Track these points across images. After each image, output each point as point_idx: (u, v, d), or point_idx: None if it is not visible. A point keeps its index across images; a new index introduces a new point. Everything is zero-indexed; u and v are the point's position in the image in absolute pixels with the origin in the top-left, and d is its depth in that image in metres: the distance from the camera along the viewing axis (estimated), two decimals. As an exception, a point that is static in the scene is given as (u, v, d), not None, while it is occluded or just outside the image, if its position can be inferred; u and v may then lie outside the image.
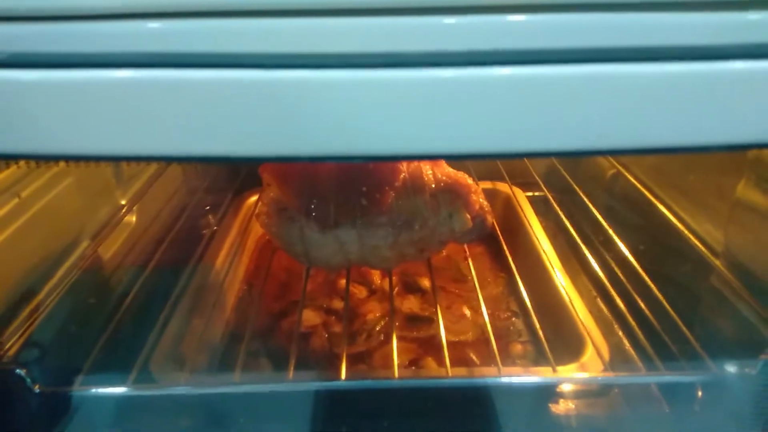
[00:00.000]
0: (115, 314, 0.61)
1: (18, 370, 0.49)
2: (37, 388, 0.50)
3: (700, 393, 0.57)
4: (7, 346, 0.51)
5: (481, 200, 0.65)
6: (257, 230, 0.87)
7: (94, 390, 0.51)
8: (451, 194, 0.63)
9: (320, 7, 0.27)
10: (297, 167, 0.64)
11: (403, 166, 0.64)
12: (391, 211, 0.62)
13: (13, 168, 0.54)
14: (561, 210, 0.82)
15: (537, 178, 0.90)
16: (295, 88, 0.28)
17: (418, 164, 0.65)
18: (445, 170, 0.66)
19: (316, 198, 0.61)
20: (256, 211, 0.68)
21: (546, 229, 0.83)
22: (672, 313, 0.61)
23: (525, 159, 0.95)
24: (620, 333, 0.72)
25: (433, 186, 0.63)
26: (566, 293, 0.66)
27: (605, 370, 0.54)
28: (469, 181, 0.66)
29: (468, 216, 0.63)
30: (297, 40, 0.28)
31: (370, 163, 0.63)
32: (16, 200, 0.54)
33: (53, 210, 0.59)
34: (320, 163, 0.64)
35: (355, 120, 0.29)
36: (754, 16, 0.28)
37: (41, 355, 0.57)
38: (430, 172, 0.64)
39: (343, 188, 0.62)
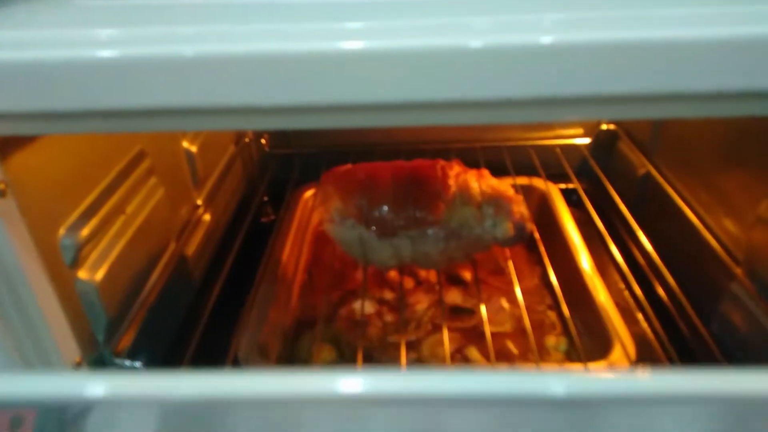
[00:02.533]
0: (203, 307, 0.71)
1: (136, 364, 0.59)
2: (151, 379, 0.60)
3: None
4: (121, 344, 0.61)
5: (522, 210, 0.72)
6: (313, 221, 0.96)
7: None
8: (496, 205, 0.71)
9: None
10: (358, 180, 0.72)
11: (452, 180, 0.71)
12: (441, 222, 0.69)
13: (121, 189, 0.63)
14: (592, 203, 0.89)
15: (570, 171, 0.96)
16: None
17: (465, 178, 0.72)
18: (490, 183, 0.73)
19: (375, 210, 0.69)
20: (316, 208, 0.76)
21: (578, 221, 0.90)
22: (692, 313, 0.69)
23: (558, 150, 1.01)
24: (644, 325, 0.80)
25: (479, 198, 0.71)
26: (596, 289, 0.74)
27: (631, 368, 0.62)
28: (511, 192, 0.73)
29: (510, 225, 0.70)
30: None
31: (424, 178, 0.71)
32: (123, 217, 0.63)
33: (151, 220, 0.68)
34: (379, 177, 0.71)
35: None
36: None
37: (146, 346, 0.67)
38: (476, 185, 0.72)
39: (400, 201, 0.70)
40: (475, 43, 0.35)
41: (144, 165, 0.68)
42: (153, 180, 0.70)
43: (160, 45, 0.36)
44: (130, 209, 0.64)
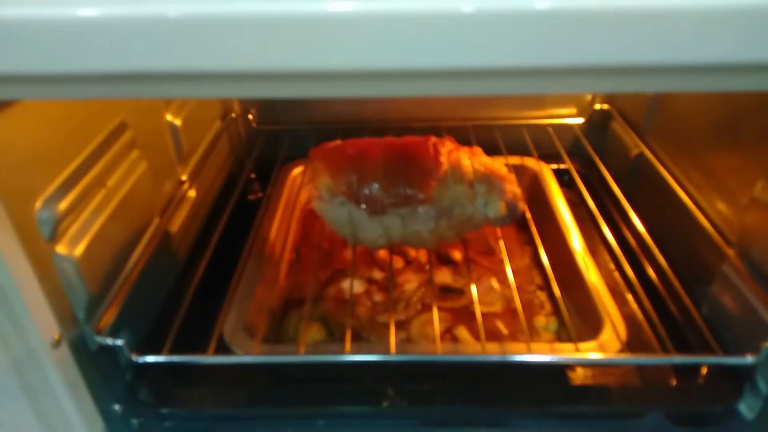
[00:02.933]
0: (184, 284, 0.70)
1: (118, 342, 0.58)
2: (133, 357, 0.58)
3: (704, 371, 0.65)
4: (102, 322, 0.59)
5: (514, 189, 0.71)
6: (301, 199, 0.94)
7: (182, 358, 0.60)
8: (488, 184, 0.69)
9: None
10: (347, 156, 0.70)
11: (444, 157, 0.69)
12: (432, 200, 0.68)
13: (101, 162, 0.61)
14: (584, 183, 0.88)
15: (562, 151, 0.95)
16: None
17: (457, 155, 0.70)
18: (482, 160, 0.71)
19: (365, 187, 0.68)
20: (304, 185, 0.74)
21: (569, 202, 0.89)
22: (683, 294, 0.68)
23: (550, 130, 1.00)
24: (634, 306, 0.79)
25: (472, 176, 0.69)
26: (587, 270, 0.73)
27: (622, 350, 0.61)
28: (504, 170, 0.71)
29: (503, 204, 0.69)
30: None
31: (415, 155, 0.69)
32: (104, 190, 0.61)
33: (133, 195, 0.66)
34: (369, 153, 0.70)
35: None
36: None
37: (128, 325, 0.65)
38: (469, 162, 0.70)
39: (390, 178, 0.68)
40: (467, 7, 0.33)
41: (126, 137, 0.65)
42: (135, 153, 0.67)
43: (141, 4, 0.34)
44: (111, 182, 0.62)
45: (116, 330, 0.62)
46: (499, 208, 0.69)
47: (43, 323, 0.52)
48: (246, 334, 0.66)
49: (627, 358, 0.62)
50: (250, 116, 1.04)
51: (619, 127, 0.98)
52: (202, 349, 0.61)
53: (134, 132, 0.67)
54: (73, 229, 0.56)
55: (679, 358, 0.59)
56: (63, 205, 0.54)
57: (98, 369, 0.60)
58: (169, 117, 0.78)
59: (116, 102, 0.65)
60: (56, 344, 0.53)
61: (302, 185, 0.92)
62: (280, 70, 0.35)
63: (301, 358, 0.60)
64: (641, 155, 0.90)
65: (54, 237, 0.53)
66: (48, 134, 0.53)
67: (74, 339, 0.56)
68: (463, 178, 0.69)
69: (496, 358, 0.60)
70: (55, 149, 0.54)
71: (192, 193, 0.83)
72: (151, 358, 0.60)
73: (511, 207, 0.71)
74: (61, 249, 0.54)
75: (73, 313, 0.57)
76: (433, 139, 0.72)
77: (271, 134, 1.03)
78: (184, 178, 0.82)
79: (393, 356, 0.60)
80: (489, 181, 0.69)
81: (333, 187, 0.69)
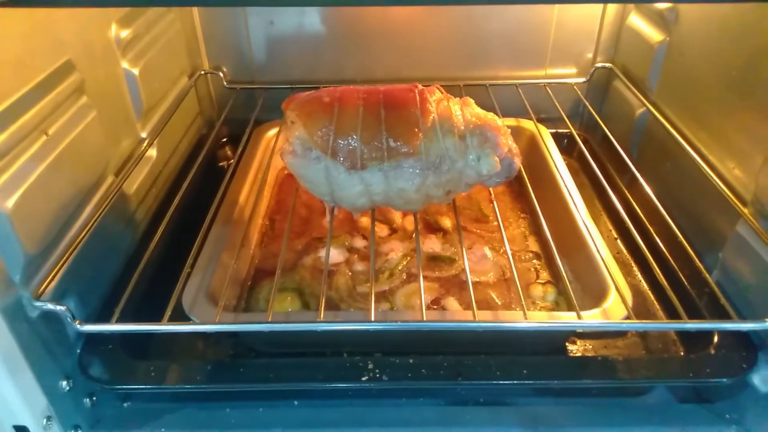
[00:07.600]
0: (144, 250, 0.62)
1: (59, 308, 0.51)
2: (77, 325, 0.51)
3: (716, 339, 0.59)
4: (44, 285, 0.52)
5: (510, 143, 0.64)
6: (277, 164, 0.87)
7: (133, 327, 0.53)
8: (480, 136, 0.62)
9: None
10: (323, 105, 0.62)
11: (432, 106, 0.62)
12: (418, 153, 0.61)
13: (41, 104, 0.53)
14: (585, 147, 0.81)
15: (562, 113, 0.88)
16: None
17: (447, 105, 0.63)
18: (475, 111, 0.64)
19: (343, 138, 0.60)
20: (280, 148, 0.67)
21: (569, 167, 0.82)
22: (694, 259, 0.62)
23: (548, 89, 0.93)
24: (639, 275, 0.73)
25: (462, 127, 0.62)
26: (590, 236, 0.67)
27: (628, 317, 0.55)
28: (499, 122, 0.64)
29: (496, 159, 0.62)
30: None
31: (399, 103, 0.62)
32: (44, 138, 0.53)
33: (80, 146, 0.58)
34: (347, 102, 0.62)
35: None
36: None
37: (77, 292, 0.58)
38: (459, 113, 0.63)
39: (371, 129, 0.61)
40: None
41: (71, 79, 0.58)
42: (83, 99, 0.60)
43: None
44: (53, 130, 0.55)
45: (61, 296, 0.55)
46: (492, 164, 0.62)
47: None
48: (209, 303, 0.59)
49: (637, 323, 0.56)
50: (221, 74, 0.96)
51: (621, 86, 0.91)
52: (161, 320, 0.53)
53: (83, 75, 0.60)
54: (4, 178, 0.49)
55: (692, 324, 0.53)
56: (-11, 147, 0.47)
57: (40, 339, 0.53)
58: (125, 64, 0.70)
59: (62, 37, 0.57)
60: (-19, 308, 0.46)
61: (278, 149, 0.84)
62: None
63: (266, 326, 0.53)
64: (646, 115, 0.83)
65: (-22, 183, 0.46)
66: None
67: (10, 304, 0.49)
68: (453, 130, 0.62)
69: (488, 325, 0.53)
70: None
71: (152, 152, 0.76)
72: (97, 327, 0.53)
73: (506, 163, 0.64)
74: (-13, 198, 0.47)
75: (7, 274, 0.49)
76: (420, 86, 0.64)
77: (245, 94, 0.95)
78: (143, 135, 0.75)
79: (372, 323, 0.53)
80: (482, 133, 0.62)
81: (307, 140, 0.62)
